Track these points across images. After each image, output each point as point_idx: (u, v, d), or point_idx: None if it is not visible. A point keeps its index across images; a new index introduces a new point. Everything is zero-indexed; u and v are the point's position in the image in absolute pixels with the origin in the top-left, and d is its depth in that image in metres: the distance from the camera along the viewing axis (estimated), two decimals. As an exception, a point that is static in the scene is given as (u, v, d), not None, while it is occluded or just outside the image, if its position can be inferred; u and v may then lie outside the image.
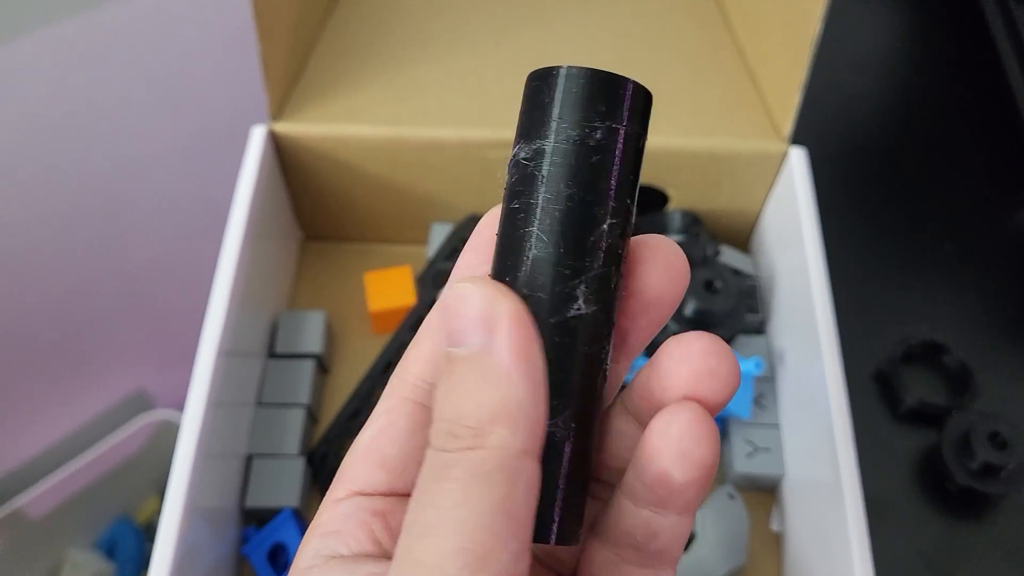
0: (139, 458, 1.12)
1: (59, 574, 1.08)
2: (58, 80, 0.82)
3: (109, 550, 1.13)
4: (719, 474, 0.53)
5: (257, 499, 0.49)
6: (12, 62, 0.78)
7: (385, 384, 0.53)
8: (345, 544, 0.21)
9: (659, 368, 0.21)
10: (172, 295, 1.07)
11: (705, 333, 0.21)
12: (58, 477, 1.04)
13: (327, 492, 0.23)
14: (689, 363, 0.21)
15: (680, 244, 0.53)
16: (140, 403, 1.14)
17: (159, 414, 1.11)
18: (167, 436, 1.08)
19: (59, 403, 1.06)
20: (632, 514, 0.22)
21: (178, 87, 0.90)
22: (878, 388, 0.58)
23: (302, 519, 0.50)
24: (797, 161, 0.53)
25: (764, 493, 0.53)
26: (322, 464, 0.52)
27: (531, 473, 0.18)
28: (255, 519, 0.51)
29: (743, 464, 0.51)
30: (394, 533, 0.21)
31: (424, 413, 0.23)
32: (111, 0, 0.79)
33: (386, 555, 0.21)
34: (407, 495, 0.20)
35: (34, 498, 1.02)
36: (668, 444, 0.20)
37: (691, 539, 0.48)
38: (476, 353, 0.19)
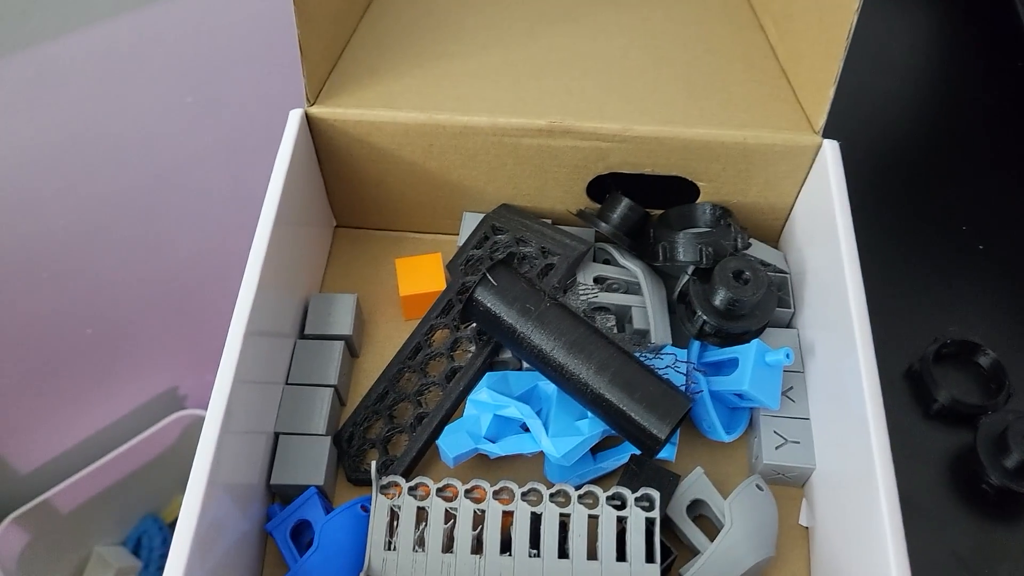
0: (169, 456, 1.12)
1: (85, 568, 1.09)
2: (97, 78, 0.84)
3: (136, 547, 1.14)
4: (748, 466, 0.53)
5: (282, 477, 0.49)
6: (54, 59, 0.80)
7: (413, 368, 0.53)
8: None
9: None
10: (208, 295, 1.08)
11: None
12: (87, 472, 1.05)
13: None
14: None
15: (710, 234, 0.53)
16: (172, 401, 1.15)
17: (190, 413, 1.12)
18: (197, 434, 1.09)
19: (92, 399, 1.07)
20: None
21: (218, 85, 0.91)
22: (909, 386, 0.57)
23: (326, 498, 0.50)
24: (831, 154, 0.52)
25: (791, 488, 0.52)
26: (348, 445, 0.52)
27: None
28: (280, 497, 0.51)
29: (772, 456, 0.50)
30: None
31: None
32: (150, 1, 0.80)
33: None
34: None
35: (63, 491, 1.03)
36: None
37: (722, 529, 0.47)
38: None
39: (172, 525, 1.17)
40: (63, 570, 1.10)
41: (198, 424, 1.11)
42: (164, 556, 1.12)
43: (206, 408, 0.45)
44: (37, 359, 0.98)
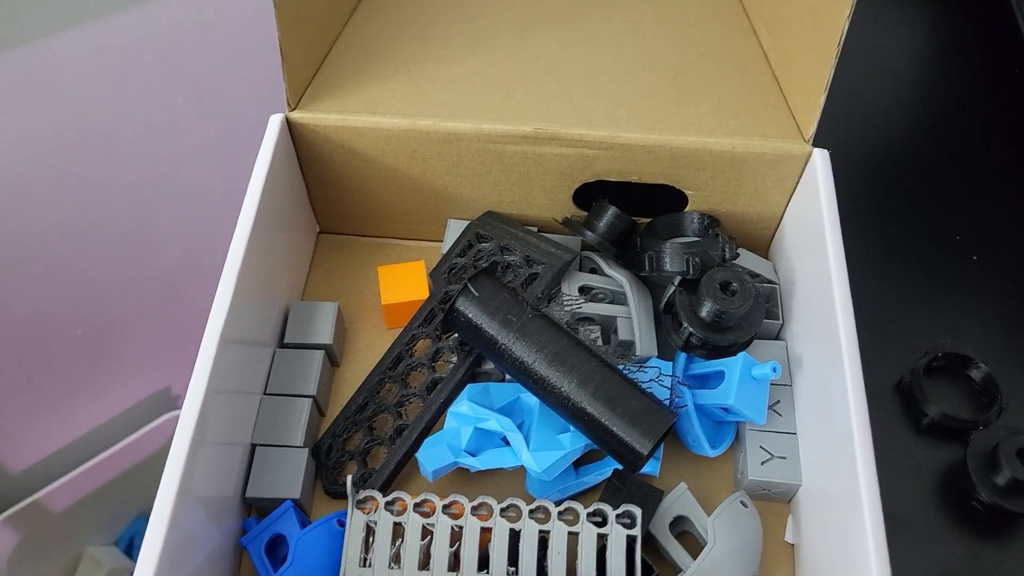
0: (161, 456, 1.11)
1: (77, 569, 1.08)
2: (87, 78, 0.83)
3: (128, 547, 1.13)
4: (733, 482, 0.52)
5: (258, 489, 0.48)
6: (43, 60, 0.79)
7: (394, 379, 0.52)
8: None
9: None
10: (199, 294, 1.07)
11: None
12: (79, 472, 1.04)
13: None
14: None
15: (697, 244, 0.52)
16: (164, 401, 1.15)
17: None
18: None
19: (83, 399, 1.06)
20: None
21: (205, 86, 0.91)
22: (900, 400, 0.56)
23: (303, 511, 0.49)
24: (821, 163, 0.51)
25: (778, 504, 0.51)
26: (326, 457, 0.51)
27: None
28: (256, 509, 0.50)
29: (757, 471, 0.49)
30: None
31: None
32: (140, 1, 0.80)
33: None
34: None
35: (54, 491, 1.02)
36: None
37: (705, 547, 0.46)
38: None
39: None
40: (54, 571, 1.10)
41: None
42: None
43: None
44: (28, 359, 0.97)
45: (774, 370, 0.48)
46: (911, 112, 0.74)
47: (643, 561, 0.45)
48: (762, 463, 0.50)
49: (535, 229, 0.58)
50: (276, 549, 0.48)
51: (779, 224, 0.57)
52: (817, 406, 0.49)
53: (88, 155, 0.88)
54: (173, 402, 1.20)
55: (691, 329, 0.51)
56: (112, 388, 1.10)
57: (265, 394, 0.52)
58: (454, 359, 0.52)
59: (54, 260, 0.92)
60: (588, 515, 0.45)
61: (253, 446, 0.50)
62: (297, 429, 0.50)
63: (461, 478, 0.51)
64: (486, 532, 0.45)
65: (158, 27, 0.84)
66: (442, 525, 0.45)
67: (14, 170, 0.85)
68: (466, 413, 0.49)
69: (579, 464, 0.51)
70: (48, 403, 1.04)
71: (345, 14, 0.61)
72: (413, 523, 0.45)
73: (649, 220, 0.57)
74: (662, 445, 0.49)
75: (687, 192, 0.55)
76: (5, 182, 0.84)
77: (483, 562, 0.44)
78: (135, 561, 1.18)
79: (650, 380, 0.49)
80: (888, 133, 0.72)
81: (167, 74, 0.88)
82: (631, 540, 0.45)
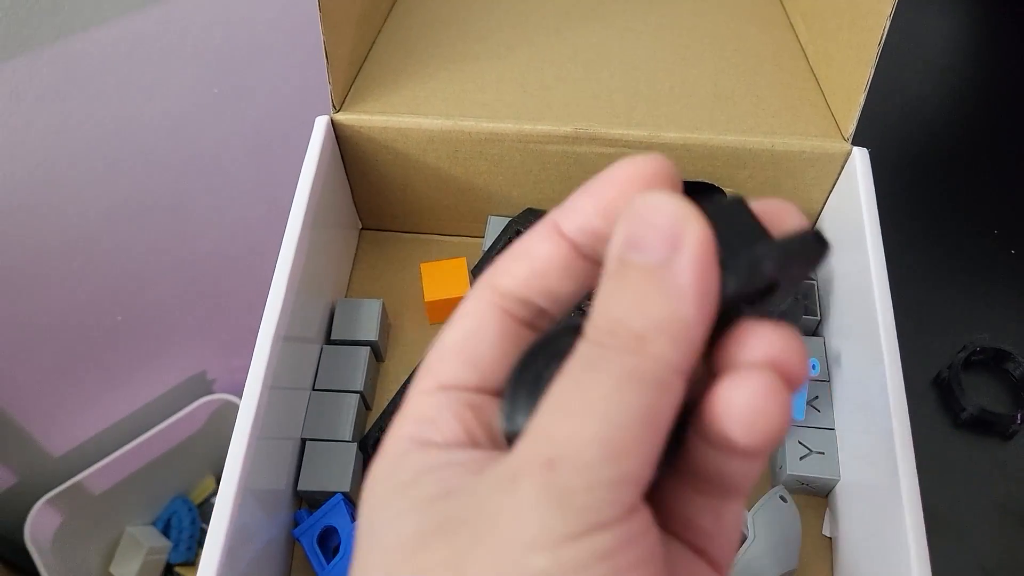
0: (197, 439, 1.14)
1: (117, 548, 1.12)
2: (126, 72, 0.84)
3: (165, 527, 1.16)
4: (772, 476, 0.53)
5: (309, 483, 0.50)
6: (84, 53, 0.80)
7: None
8: (439, 432, 0.21)
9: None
10: (235, 283, 1.09)
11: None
12: (118, 454, 1.07)
13: (412, 385, 0.23)
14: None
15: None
16: (200, 385, 1.17)
17: (218, 397, 1.13)
18: (225, 418, 1.10)
19: (122, 384, 1.09)
20: (701, 449, 0.21)
21: (246, 80, 0.92)
22: (937, 395, 0.56)
23: (353, 505, 0.51)
24: (860, 162, 0.52)
25: (816, 497, 0.52)
26: (373, 450, 0.53)
27: (678, 392, 0.19)
28: (307, 503, 0.52)
29: (796, 466, 0.50)
30: (485, 427, 0.22)
31: (513, 323, 0.22)
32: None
33: (477, 446, 0.21)
34: (495, 394, 0.21)
35: (95, 473, 1.05)
36: (731, 412, 0.19)
37: (744, 541, 0.48)
38: (655, 265, 0.19)
39: (201, 506, 1.19)
40: (95, 550, 1.13)
41: (226, 408, 1.12)
42: (193, 536, 1.14)
43: (234, 393, 0.45)
44: (68, 345, 1.00)
45: (812, 367, 0.49)
46: (950, 104, 0.73)
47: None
48: (800, 458, 0.50)
49: (574, 226, 0.59)
50: (327, 540, 0.49)
51: (817, 219, 0.58)
52: (856, 402, 0.50)
53: (126, 148, 0.89)
54: (209, 386, 1.22)
55: (730, 326, 0.51)
56: (150, 373, 1.12)
57: (314, 390, 0.53)
58: (497, 355, 0.53)
59: (94, 249, 0.94)
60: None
61: (303, 440, 0.51)
62: (346, 424, 0.52)
63: (505, 472, 0.52)
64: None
65: (196, 22, 0.86)
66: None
67: (54, 163, 0.86)
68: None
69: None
70: (88, 388, 1.07)
71: (384, 11, 0.62)
72: (461, 517, 0.46)
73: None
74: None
75: (725, 190, 0.56)
76: (45, 175, 0.86)
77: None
78: (172, 540, 1.20)
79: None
80: (927, 125, 0.71)
81: (204, 67, 0.89)
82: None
